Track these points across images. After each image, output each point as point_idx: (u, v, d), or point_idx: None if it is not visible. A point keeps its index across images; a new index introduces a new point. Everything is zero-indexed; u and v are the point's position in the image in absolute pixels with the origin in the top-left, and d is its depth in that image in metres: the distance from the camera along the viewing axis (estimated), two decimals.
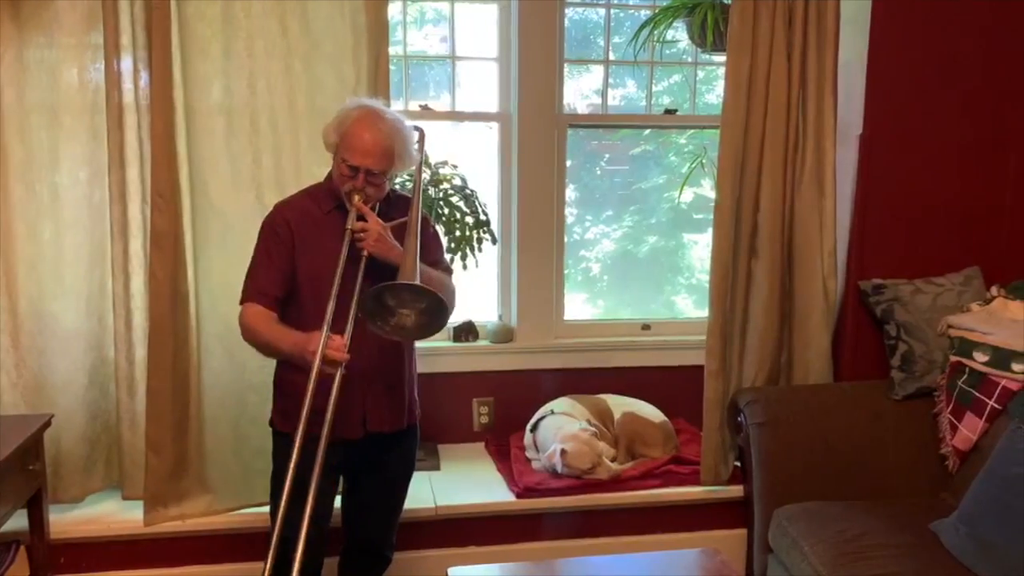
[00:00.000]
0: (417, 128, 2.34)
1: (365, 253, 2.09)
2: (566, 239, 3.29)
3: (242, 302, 2.17)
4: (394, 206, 2.24)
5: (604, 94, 3.31)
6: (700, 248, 3.51)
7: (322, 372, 1.95)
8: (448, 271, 2.37)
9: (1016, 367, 2.60)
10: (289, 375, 2.15)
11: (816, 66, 2.82)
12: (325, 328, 1.97)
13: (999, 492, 2.28)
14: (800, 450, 2.72)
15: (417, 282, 1.99)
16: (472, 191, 2.88)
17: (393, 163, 2.14)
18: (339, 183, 2.15)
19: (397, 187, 2.41)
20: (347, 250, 2.07)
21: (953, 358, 2.75)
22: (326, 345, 1.95)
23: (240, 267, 2.22)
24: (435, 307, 2.01)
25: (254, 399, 2.62)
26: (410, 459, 2.38)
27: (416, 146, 2.23)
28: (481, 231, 2.85)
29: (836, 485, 2.67)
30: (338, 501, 2.35)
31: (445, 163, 2.90)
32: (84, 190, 2.61)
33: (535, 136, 3.11)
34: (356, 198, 2.11)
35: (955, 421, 2.69)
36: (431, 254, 2.26)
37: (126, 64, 2.53)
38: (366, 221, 2.10)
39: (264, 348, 2.14)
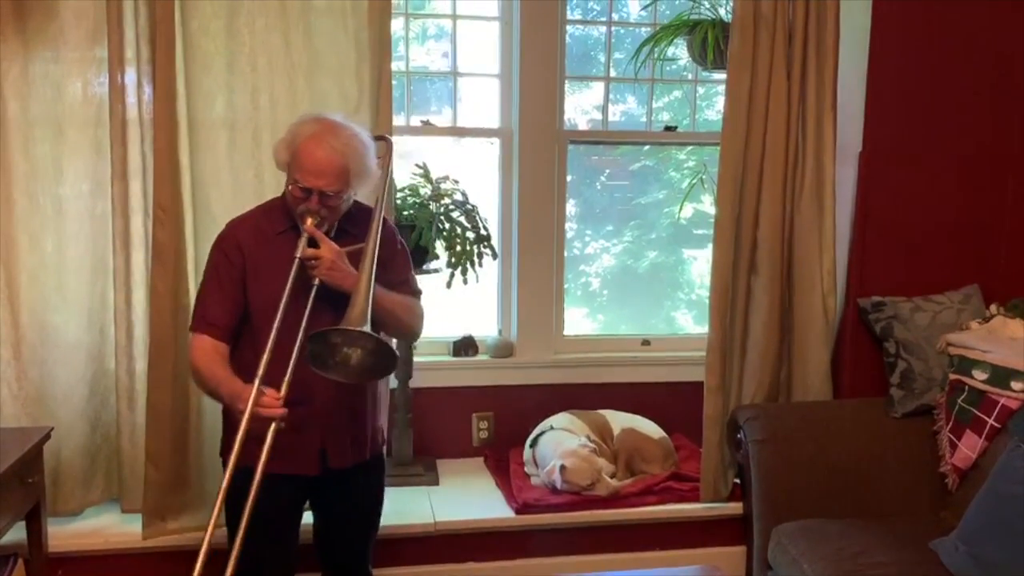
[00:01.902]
0: (383, 138, 2.25)
1: (316, 281, 1.94)
2: (566, 254, 3.30)
3: (191, 330, 2.06)
4: (356, 220, 2.08)
5: (604, 110, 3.33)
6: (700, 264, 3.52)
7: (255, 429, 1.83)
8: (415, 292, 2.20)
9: (1015, 385, 2.60)
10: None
11: (816, 84, 2.84)
12: (256, 382, 1.85)
13: (999, 511, 2.28)
14: (800, 467, 2.71)
15: (366, 328, 1.85)
16: (473, 206, 2.89)
17: (349, 183, 1.98)
18: (292, 204, 2.01)
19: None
20: (294, 279, 1.92)
21: (952, 376, 2.76)
22: (256, 402, 1.82)
23: None
24: (383, 350, 1.88)
25: None
26: (377, 490, 2.26)
27: (377, 160, 2.08)
28: (482, 246, 2.85)
29: (835, 503, 2.67)
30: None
31: (446, 178, 2.91)
32: (87, 203, 2.62)
33: (536, 151, 3.12)
34: (309, 221, 1.96)
35: (954, 439, 2.69)
36: (397, 273, 2.13)
37: (130, 78, 2.54)
38: (319, 247, 1.96)
39: (206, 392, 2.03)
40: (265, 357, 1.87)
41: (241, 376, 1.96)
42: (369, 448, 2.17)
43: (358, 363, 1.90)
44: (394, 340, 2.21)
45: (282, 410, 1.86)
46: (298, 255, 1.94)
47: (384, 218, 2.16)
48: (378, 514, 2.29)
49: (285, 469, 2.02)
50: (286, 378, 1.88)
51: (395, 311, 2.05)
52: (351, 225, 2.07)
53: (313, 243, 1.96)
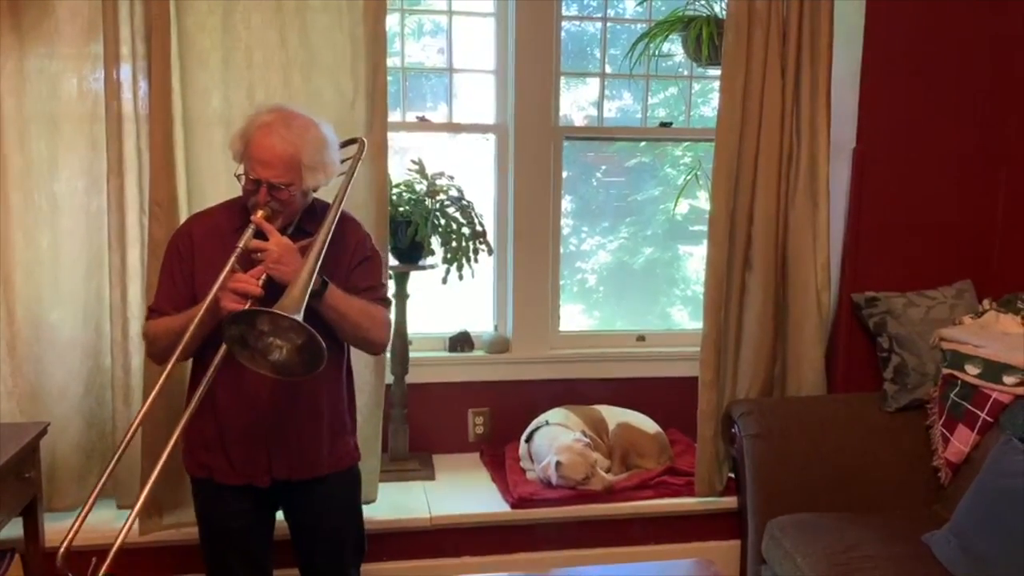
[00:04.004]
0: (356, 140, 2.23)
1: (264, 277, 1.85)
2: (562, 250, 3.31)
3: (145, 320, 2.07)
4: (318, 220, 1.98)
5: (600, 106, 3.34)
6: (696, 260, 3.53)
7: (226, 309, 1.80)
8: (382, 301, 2.09)
9: (1007, 379, 2.61)
10: (196, 410, 1.96)
11: (810, 81, 2.84)
12: (223, 275, 1.83)
13: (990, 504, 2.30)
14: (794, 462, 2.73)
15: (297, 317, 1.72)
16: (469, 202, 2.89)
17: (301, 175, 1.90)
18: (245, 197, 1.95)
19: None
20: (230, 270, 1.84)
21: (945, 371, 2.77)
22: (230, 280, 1.81)
23: None
24: (314, 348, 1.74)
25: None
26: (345, 505, 2.18)
27: (337, 156, 2.01)
28: (477, 242, 2.86)
29: (829, 497, 2.69)
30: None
31: (442, 174, 2.91)
32: (82, 199, 2.62)
33: (531, 147, 3.13)
34: (259, 213, 1.89)
35: (947, 433, 2.70)
36: (363, 280, 2.04)
37: (125, 74, 2.54)
38: (267, 240, 1.87)
39: (175, 338, 1.88)
40: (190, 333, 1.82)
41: (196, 376, 1.97)
42: (327, 465, 2.08)
43: (283, 354, 1.78)
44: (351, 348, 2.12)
45: (258, 290, 1.81)
46: (240, 245, 1.86)
47: (357, 223, 2.13)
48: (353, 528, 2.21)
49: (237, 480, 2.03)
50: (208, 376, 1.84)
51: (350, 315, 1.95)
52: (312, 224, 1.97)
53: (263, 237, 1.89)
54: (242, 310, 1.78)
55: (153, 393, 1.86)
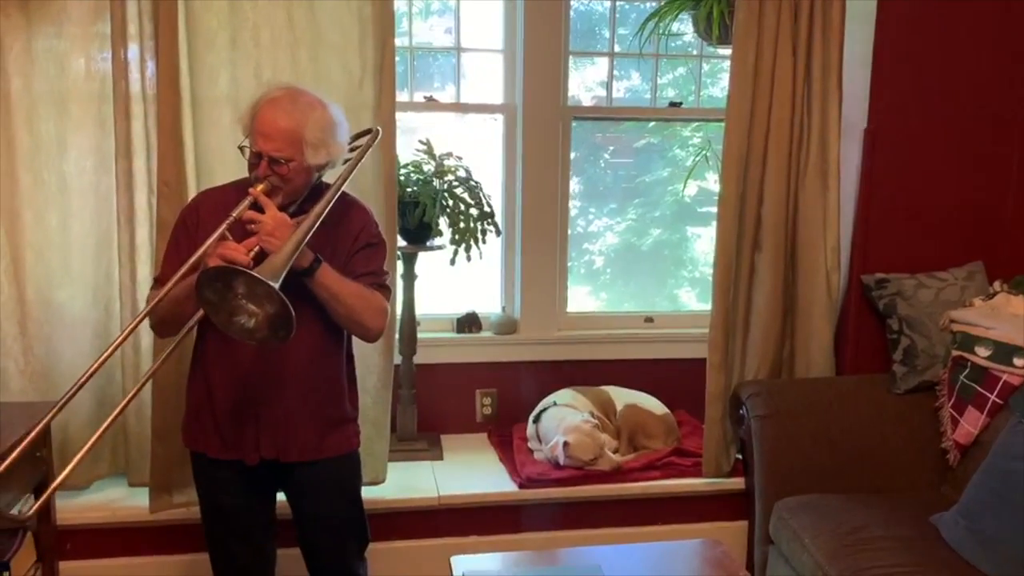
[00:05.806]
0: (372, 130, 2.23)
1: (256, 249, 1.85)
2: (570, 231, 3.30)
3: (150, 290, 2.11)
4: (320, 201, 1.97)
5: (609, 86, 3.32)
6: (704, 241, 3.52)
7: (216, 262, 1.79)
8: (381, 288, 2.07)
9: (1018, 362, 2.60)
10: (193, 383, 2.10)
11: (821, 60, 2.82)
12: (211, 238, 1.83)
13: (999, 486, 2.29)
14: (802, 443, 2.73)
15: (274, 283, 1.71)
16: (476, 183, 2.89)
17: (302, 151, 1.91)
18: (249, 171, 1.97)
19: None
20: (220, 236, 1.83)
21: (955, 352, 2.76)
22: (217, 246, 1.81)
23: None
24: (283, 319, 1.73)
25: None
26: (341, 494, 2.16)
27: (344, 139, 2.02)
28: (485, 223, 2.85)
29: (837, 478, 2.69)
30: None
31: (450, 155, 2.90)
32: (91, 179, 2.63)
33: (539, 128, 3.11)
34: (259, 187, 1.89)
35: (956, 415, 2.70)
36: (364, 266, 2.04)
37: (133, 54, 2.53)
38: (263, 212, 1.87)
39: (173, 305, 1.92)
40: (170, 288, 1.85)
41: (198, 360, 2.07)
42: (321, 449, 2.07)
43: (253, 322, 1.77)
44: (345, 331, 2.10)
45: (246, 259, 1.80)
46: (234, 214, 1.86)
47: (367, 210, 2.13)
48: (353, 516, 2.20)
49: (227, 455, 2.05)
50: (186, 327, 1.94)
51: (343, 296, 1.95)
52: (313, 205, 1.95)
53: (261, 211, 1.89)
54: (220, 266, 1.76)
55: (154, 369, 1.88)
